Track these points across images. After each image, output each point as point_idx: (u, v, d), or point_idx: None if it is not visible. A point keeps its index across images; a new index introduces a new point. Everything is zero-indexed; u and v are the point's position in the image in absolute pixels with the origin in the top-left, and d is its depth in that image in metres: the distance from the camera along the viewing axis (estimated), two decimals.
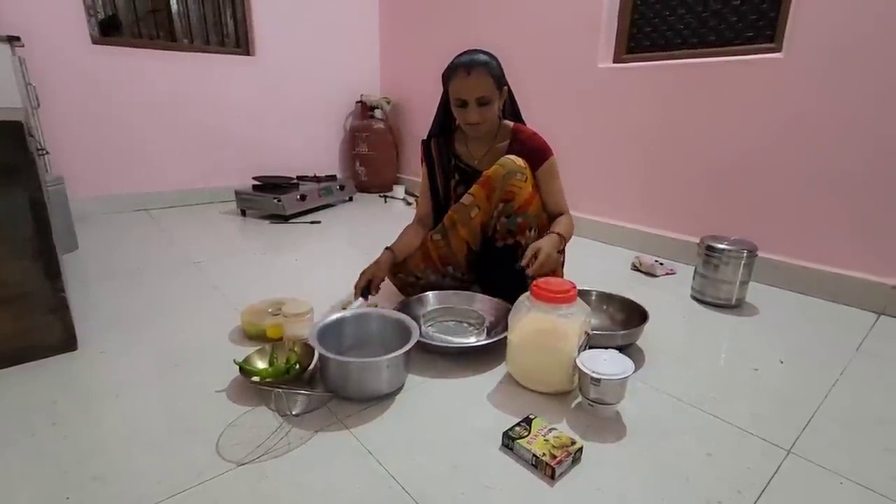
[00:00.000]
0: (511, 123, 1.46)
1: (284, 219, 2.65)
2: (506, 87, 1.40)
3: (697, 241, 1.68)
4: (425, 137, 1.56)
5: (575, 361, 1.02)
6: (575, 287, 1.06)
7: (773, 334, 1.43)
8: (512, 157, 1.34)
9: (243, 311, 1.34)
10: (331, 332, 1.13)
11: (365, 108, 3.49)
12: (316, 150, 3.49)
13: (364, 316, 1.22)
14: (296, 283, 1.77)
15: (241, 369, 1.07)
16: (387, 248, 1.44)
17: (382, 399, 1.04)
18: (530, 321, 1.07)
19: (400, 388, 1.08)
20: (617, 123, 2.23)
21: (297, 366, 1.10)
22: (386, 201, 3.35)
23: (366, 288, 1.37)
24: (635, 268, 1.98)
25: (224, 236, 2.37)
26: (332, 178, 3.19)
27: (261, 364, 1.11)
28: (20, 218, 1.09)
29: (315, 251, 2.18)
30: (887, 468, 0.89)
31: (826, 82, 1.61)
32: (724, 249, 1.56)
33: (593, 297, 1.43)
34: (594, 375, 0.96)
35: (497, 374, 1.16)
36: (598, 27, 2.22)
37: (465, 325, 1.36)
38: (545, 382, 1.08)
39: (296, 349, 1.14)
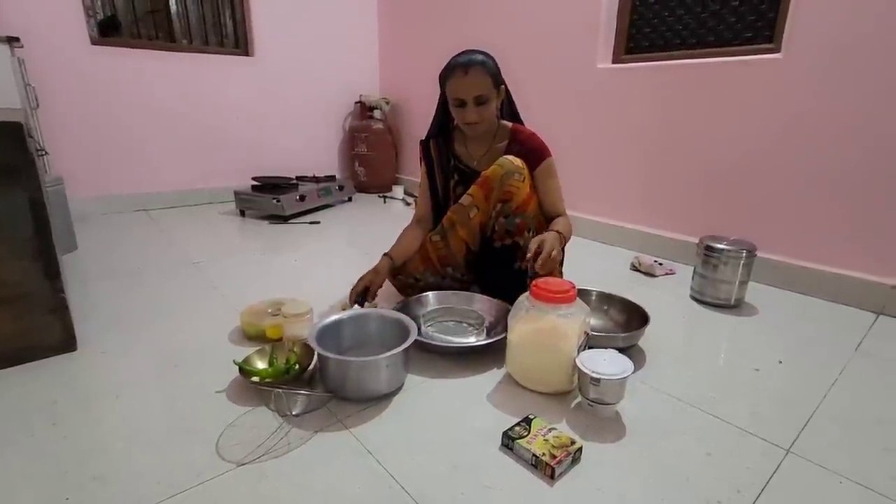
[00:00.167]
0: (510, 124, 1.46)
1: (283, 219, 2.65)
2: (503, 86, 1.40)
3: (697, 241, 1.68)
4: (424, 138, 1.56)
5: (574, 361, 1.02)
6: (574, 287, 1.06)
7: (772, 334, 1.43)
8: (510, 157, 1.34)
9: (243, 312, 1.34)
10: (330, 333, 1.13)
11: (364, 109, 3.50)
12: (315, 151, 3.49)
13: (363, 316, 1.22)
14: (295, 283, 1.77)
15: (241, 370, 1.07)
16: (385, 255, 1.43)
17: (382, 399, 1.05)
18: (530, 321, 1.07)
19: (399, 388, 1.08)
20: (616, 124, 2.23)
21: (297, 366, 1.10)
22: (385, 201, 3.35)
23: (362, 294, 1.36)
24: (634, 268, 1.98)
25: (223, 237, 2.37)
26: (332, 178, 3.19)
27: (260, 364, 1.11)
28: (20, 218, 1.09)
29: (314, 251, 2.18)
30: (886, 468, 0.89)
31: (825, 83, 1.62)
32: (723, 249, 1.56)
33: (593, 298, 1.43)
34: (594, 375, 0.96)
35: (497, 374, 1.16)
36: (597, 28, 2.22)
37: (465, 325, 1.37)
38: (545, 382, 1.08)
39: (295, 349, 1.14)
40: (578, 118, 2.37)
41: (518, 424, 0.92)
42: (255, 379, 1.05)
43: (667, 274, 1.92)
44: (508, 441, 0.89)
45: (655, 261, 1.96)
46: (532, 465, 0.85)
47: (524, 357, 1.10)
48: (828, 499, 0.82)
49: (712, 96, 1.90)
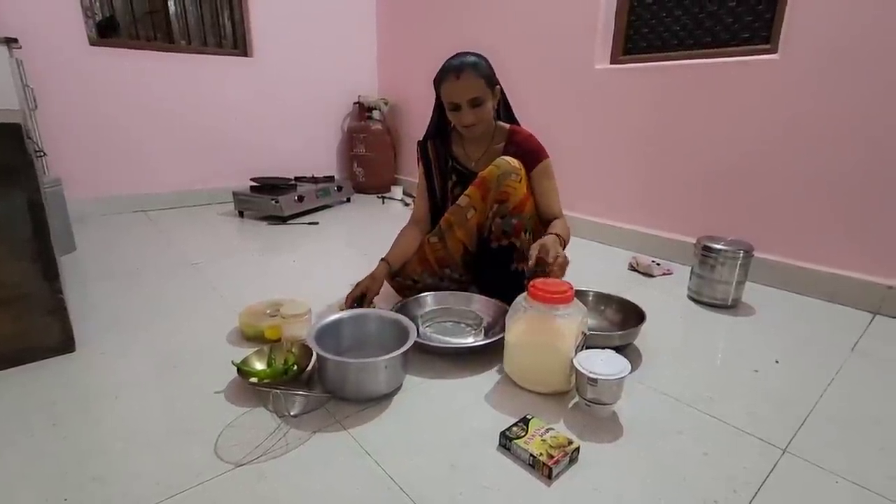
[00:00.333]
0: (507, 125, 1.47)
1: (282, 220, 2.65)
2: (498, 87, 1.41)
3: (694, 241, 1.68)
4: (421, 139, 1.56)
5: (572, 362, 1.03)
6: (572, 287, 1.06)
7: (769, 334, 1.43)
8: (507, 157, 1.34)
9: (241, 313, 1.35)
10: (329, 333, 1.14)
11: (363, 110, 3.50)
12: (313, 151, 3.50)
13: (362, 317, 1.22)
14: (293, 284, 1.77)
15: (240, 370, 1.07)
16: (382, 260, 1.44)
17: (380, 400, 1.05)
18: (527, 321, 1.07)
19: (398, 389, 1.09)
20: (614, 124, 2.24)
21: (295, 367, 1.10)
22: (384, 202, 3.35)
23: (359, 301, 1.35)
24: (632, 268, 1.99)
25: (222, 237, 2.37)
26: (330, 179, 3.19)
27: (259, 365, 1.12)
28: (18, 219, 1.09)
29: (313, 252, 2.18)
30: (882, 467, 0.89)
31: (822, 84, 1.62)
32: (720, 250, 1.57)
33: (590, 298, 1.43)
34: (591, 375, 0.97)
35: (494, 374, 1.17)
36: (595, 28, 2.22)
37: (463, 325, 1.37)
38: (542, 383, 1.08)
39: (294, 350, 1.15)
40: (576, 119, 2.37)
41: (516, 425, 0.93)
42: (254, 380, 1.05)
43: (664, 274, 1.93)
44: (506, 441, 0.89)
45: (653, 261, 1.96)
46: (529, 465, 0.86)
47: (522, 357, 1.10)
48: (824, 498, 0.82)
49: (710, 97, 1.90)
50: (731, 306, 1.60)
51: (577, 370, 1.00)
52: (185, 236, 2.33)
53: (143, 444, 0.90)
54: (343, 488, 0.81)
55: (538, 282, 1.07)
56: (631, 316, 1.34)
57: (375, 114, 3.49)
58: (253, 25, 3.03)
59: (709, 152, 1.94)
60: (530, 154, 1.39)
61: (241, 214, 2.78)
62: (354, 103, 3.55)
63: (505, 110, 1.51)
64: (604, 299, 1.44)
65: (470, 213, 1.38)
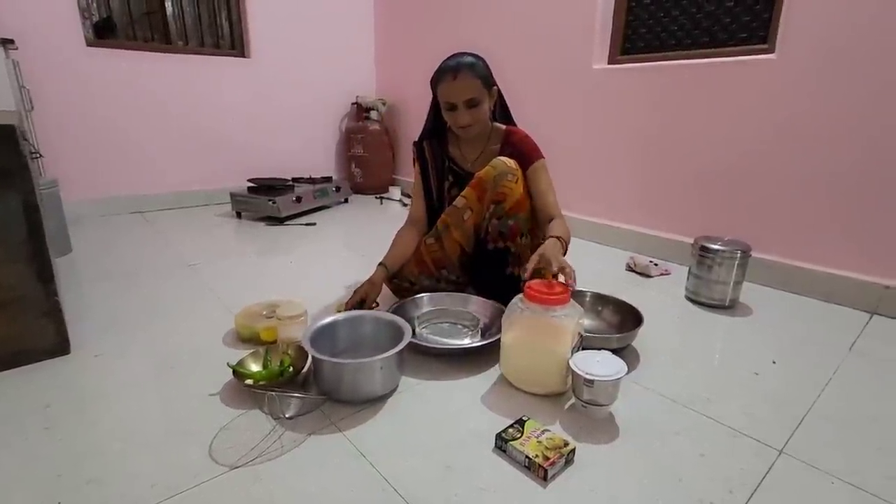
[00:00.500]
0: (503, 126, 1.47)
1: (280, 220, 2.65)
2: (495, 88, 1.41)
3: (692, 241, 1.68)
4: (417, 139, 1.56)
5: (568, 363, 1.02)
6: (568, 289, 1.06)
7: (766, 334, 1.43)
8: (503, 158, 1.34)
9: (237, 314, 1.34)
10: (324, 335, 1.13)
11: (360, 110, 3.50)
12: (311, 152, 3.49)
13: (358, 318, 1.22)
14: (290, 285, 1.77)
15: (235, 372, 1.07)
16: (380, 264, 1.43)
17: (376, 401, 1.05)
18: (524, 323, 1.07)
19: (394, 390, 1.08)
20: (612, 124, 2.24)
21: (291, 368, 1.10)
22: (382, 203, 3.35)
23: (358, 307, 1.34)
24: (630, 268, 1.98)
25: (219, 238, 2.37)
26: (328, 179, 3.19)
27: (254, 367, 1.11)
28: (13, 222, 1.09)
29: (310, 253, 2.18)
30: (879, 468, 0.89)
31: (819, 83, 1.62)
32: (717, 250, 1.57)
33: (587, 299, 1.43)
34: (587, 377, 0.97)
35: (491, 375, 1.16)
36: (593, 28, 2.22)
37: (460, 326, 1.37)
38: (539, 384, 1.08)
39: (289, 352, 1.14)
40: (574, 119, 2.37)
41: (511, 426, 0.93)
42: (249, 382, 1.05)
43: (662, 274, 1.93)
44: (502, 443, 0.89)
45: (651, 261, 1.96)
46: (525, 466, 0.85)
47: (518, 359, 1.10)
48: (820, 499, 0.82)
49: (707, 97, 1.90)
50: (728, 306, 1.60)
51: (573, 371, 1.00)
52: (182, 237, 2.33)
53: (138, 447, 0.90)
54: (338, 490, 0.81)
55: (534, 283, 1.06)
56: (628, 318, 1.34)
57: (373, 114, 3.48)
58: (250, 26, 3.03)
59: (706, 152, 1.94)
60: (526, 154, 1.39)
61: (238, 215, 2.77)
62: (352, 104, 3.55)
63: (502, 111, 1.51)
64: (601, 300, 1.43)
65: (466, 215, 1.38)
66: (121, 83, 2.63)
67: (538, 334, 1.05)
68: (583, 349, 1.07)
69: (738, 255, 1.55)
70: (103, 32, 2.67)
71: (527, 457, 0.85)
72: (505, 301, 1.16)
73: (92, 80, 2.54)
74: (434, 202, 1.54)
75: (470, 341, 1.29)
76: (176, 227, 2.52)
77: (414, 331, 1.25)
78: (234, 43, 3.09)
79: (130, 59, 2.65)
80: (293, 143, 3.37)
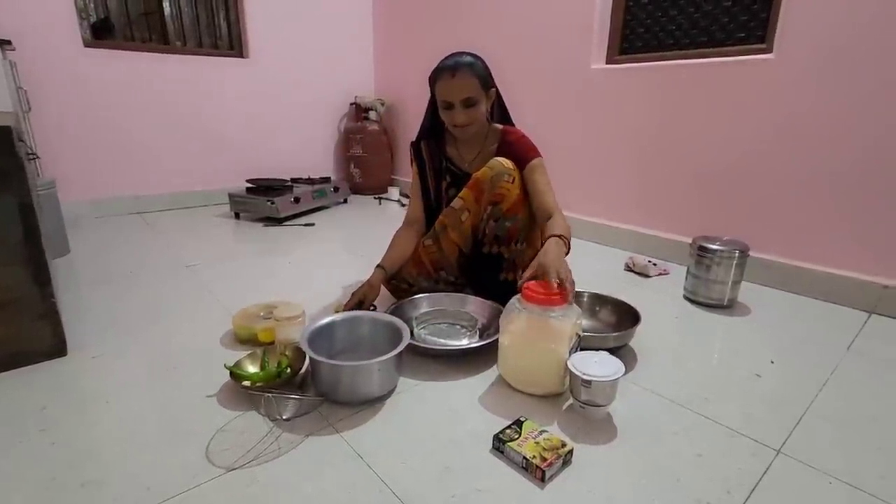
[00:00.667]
0: (500, 126, 1.46)
1: (278, 221, 2.64)
2: (493, 89, 1.40)
3: (690, 241, 1.68)
4: (414, 139, 1.56)
5: (566, 363, 1.02)
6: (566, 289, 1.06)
7: (765, 334, 1.43)
8: (500, 158, 1.34)
9: (235, 315, 1.34)
10: (322, 336, 1.13)
11: (359, 110, 3.49)
12: (310, 152, 3.49)
13: (355, 319, 1.22)
14: (289, 286, 1.76)
15: (232, 373, 1.06)
16: (378, 266, 1.42)
17: (374, 402, 1.04)
18: (521, 323, 1.07)
19: (392, 391, 1.08)
20: (610, 124, 2.24)
21: (289, 369, 1.09)
22: (381, 203, 3.35)
23: (356, 309, 1.33)
24: (629, 268, 1.98)
25: (217, 239, 2.37)
26: (327, 180, 3.19)
27: (252, 368, 1.11)
28: (9, 223, 1.09)
29: (308, 254, 2.18)
30: (877, 467, 0.89)
31: (817, 83, 1.62)
32: (715, 250, 1.57)
33: (585, 299, 1.43)
34: (585, 377, 0.96)
35: (489, 376, 1.16)
36: (591, 28, 2.22)
37: (458, 327, 1.36)
38: (536, 384, 1.08)
39: (287, 353, 1.14)
40: (573, 119, 2.37)
41: (509, 427, 0.92)
42: (246, 383, 1.05)
43: (661, 274, 1.93)
44: (499, 444, 0.89)
45: (650, 261, 1.96)
46: (523, 467, 0.85)
47: (516, 359, 1.10)
48: (818, 499, 0.82)
49: (706, 97, 1.90)
50: (727, 306, 1.60)
51: (571, 372, 1.00)
52: (180, 238, 2.32)
53: (135, 449, 0.90)
54: (335, 492, 0.80)
55: (532, 283, 1.06)
56: (626, 317, 1.33)
57: (372, 114, 3.48)
58: (249, 26, 3.03)
59: (705, 152, 1.94)
60: (522, 154, 1.39)
61: (236, 216, 2.77)
62: (351, 104, 3.55)
63: (501, 112, 1.50)
64: (599, 300, 1.43)
65: (464, 216, 1.37)
66: (119, 84, 2.63)
67: (536, 335, 1.05)
68: (581, 349, 1.07)
69: (737, 254, 1.55)
70: (101, 33, 2.67)
71: (524, 458, 0.85)
72: (503, 302, 1.16)
73: (90, 80, 2.54)
74: (432, 202, 1.54)
75: (468, 342, 1.29)
76: (174, 227, 2.52)
77: (412, 331, 1.25)
78: (232, 43, 3.09)
79: (128, 60, 2.64)
80: (292, 143, 3.36)
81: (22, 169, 1.09)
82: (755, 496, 0.81)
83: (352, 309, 1.31)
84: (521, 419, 0.95)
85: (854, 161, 1.58)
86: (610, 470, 0.87)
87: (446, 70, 1.31)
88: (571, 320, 1.04)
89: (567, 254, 1.17)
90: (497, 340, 1.14)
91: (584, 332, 1.11)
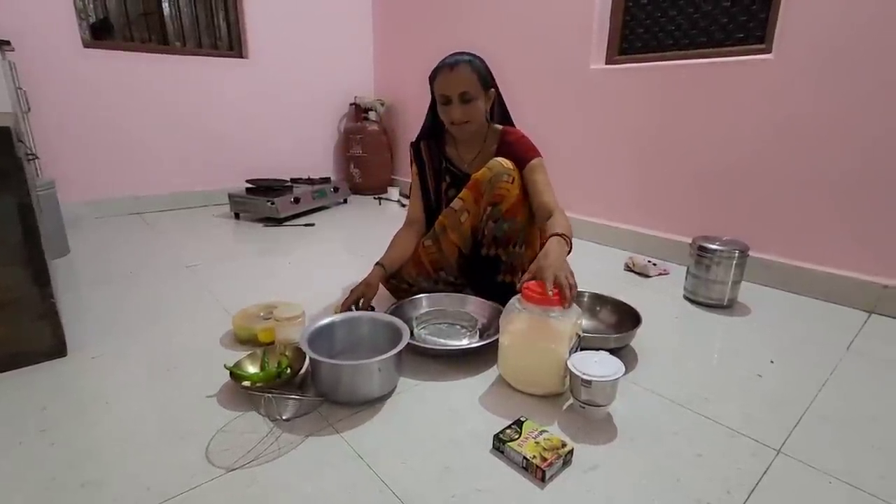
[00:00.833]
0: (500, 126, 1.46)
1: (278, 221, 2.64)
2: (493, 90, 1.41)
3: (690, 241, 1.68)
4: (414, 140, 1.56)
5: (566, 363, 1.02)
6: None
7: (765, 334, 1.43)
8: (499, 159, 1.34)
9: (235, 316, 1.34)
10: (322, 336, 1.13)
11: (359, 110, 3.49)
12: (310, 153, 3.49)
13: (355, 319, 1.22)
14: (289, 286, 1.76)
15: (232, 374, 1.06)
16: (377, 264, 1.42)
17: (374, 402, 1.04)
18: (521, 323, 1.07)
19: (392, 392, 1.08)
20: (610, 124, 2.24)
21: (288, 370, 1.09)
22: (380, 203, 3.35)
23: (354, 306, 1.32)
24: (629, 268, 1.98)
25: (217, 239, 2.36)
26: (327, 180, 3.19)
27: (252, 368, 1.11)
28: (8, 223, 1.09)
29: (308, 254, 2.18)
30: (876, 467, 0.89)
31: (816, 83, 1.62)
32: (715, 250, 1.57)
33: (585, 299, 1.43)
34: (585, 377, 0.96)
35: (489, 376, 1.16)
36: (591, 29, 2.22)
37: (458, 327, 1.36)
38: (537, 384, 1.08)
39: (287, 353, 1.14)
40: (572, 119, 2.37)
41: (509, 427, 0.92)
42: (246, 384, 1.05)
43: (661, 274, 1.93)
44: (499, 444, 0.89)
45: (649, 261, 1.96)
46: (523, 468, 0.85)
47: (516, 359, 1.10)
48: (817, 499, 0.82)
49: (705, 97, 1.90)
50: (726, 306, 1.60)
51: (571, 372, 1.00)
52: (180, 238, 2.32)
53: (134, 449, 0.90)
54: (335, 492, 0.80)
55: (532, 283, 1.06)
56: (626, 318, 1.33)
57: (372, 115, 3.48)
58: (248, 27, 3.03)
59: (704, 152, 1.94)
60: (522, 153, 1.38)
61: (236, 216, 2.77)
62: (351, 104, 3.55)
63: (501, 113, 1.50)
64: (599, 301, 1.43)
65: (464, 217, 1.37)
66: (118, 84, 2.63)
67: (536, 335, 1.05)
68: (581, 349, 1.07)
69: (736, 254, 1.55)
70: (100, 33, 2.66)
71: (524, 458, 0.85)
72: (501, 303, 1.16)
73: (89, 81, 2.54)
74: (432, 203, 1.54)
75: (468, 342, 1.29)
76: (174, 228, 2.52)
77: (412, 331, 1.25)
78: (231, 43, 3.09)
79: (127, 60, 2.64)
80: (291, 143, 3.36)
81: (21, 169, 1.09)
82: (755, 496, 0.81)
83: (348, 308, 1.31)
84: (522, 419, 0.95)
85: (854, 161, 1.59)
86: (610, 470, 0.87)
87: (445, 66, 1.33)
88: (571, 320, 1.04)
89: (569, 252, 1.17)
90: (497, 340, 1.14)
91: (584, 332, 1.11)
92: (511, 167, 1.33)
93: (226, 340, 1.32)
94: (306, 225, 2.65)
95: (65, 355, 1.21)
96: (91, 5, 2.63)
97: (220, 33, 3.06)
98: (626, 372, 1.00)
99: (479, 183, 1.34)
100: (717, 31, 1.93)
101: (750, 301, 1.65)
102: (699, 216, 2.00)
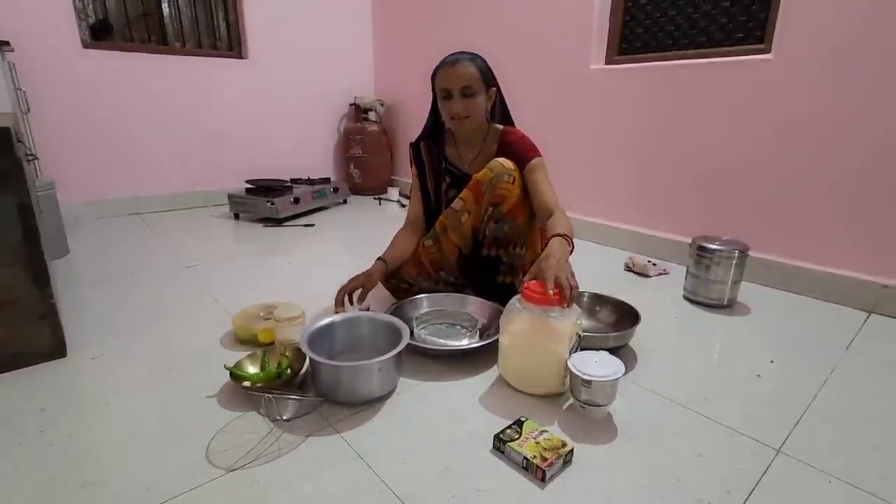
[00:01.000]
0: (500, 126, 1.46)
1: (278, 222, 2.64)
2: (494, 88, 1.41)
3: (689, 241, 1.68)
4: (414, 140, 1.56)
5: (566, 363, 1.02)
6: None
7: (764, 334, 1.43)
8: (500, 159, 1.34)
9: (235, 316, 1.34)
10: (322, 336, 1.13)
11: (359, 111, 3.49)
12: (309, 153, 3.49)
13: (355, 319, 1.22)
14: (289, 286, 1.76)
15: (232, 374, 1.06)
16: (379, 259, 1.42)
17: (374, 403, 1.04)
18: (521, 323, 1.07)
19: (392, 392, 1.08)
20: (609, 124, 2.24)
21: (289, 370, 1.09)
22: (380, 203, 3.35)
23: (348, 295, 1.33)
24: (628, 268, 1.98)
25: (217, 240, 2.36)
26: (326, 180, 3.19)
27: (252, 369, 1.11)
28: (8, 224, 1.09)
29: (308, 254, 2.18)
30: (876, 466, 0.89)
31: (815, 83, 1.62)
32: (715, 250, 1.57)
33: (585, 299, 1.43)
34: (585, 377, 0.96)
35: (489, 376, 1.16)
36: (590, 29, 2.22)
37: (458, 327, 1.36)
38: (537, 384, 1.08)
39: (287, 353, 1.14)
40: (572, 119, 2.37)
41: (510, 427, 0.92)
42: (246, 384, 1.05)
43: (660, 274, 1.93)
44: (499, 444, 0.89)
45: (649, 261, 1.96)
46: (523, 467, 0.85)
47: (516, 359, 1.10)
48: (817, 498, 0.82)
49: (705, 97, 1.90)
50: (726, 306, 1.60)
51: (571, 372, 1.00)
52: (179, 239, 2.32)
53: (134, 450, 0.89)
54: (336, 492, 0.80)
55: (532, 283, 1.06)
56: (626, 317, 1.34)
57: (372, 115, 3.48)
58: (248, 27, 3.03)
59: (704, 152, 1.94)
60: (522, 153, 1.38)
61: (236, 216, 2.77)
62: (350, 104, 3.55)
63: (502, 113, 1.50)
64: (598, 300, 1.43)
65: (464, 217, 1.37)
66: (118, 85, 2.63)
67: (536, 335, 1.05)
68: (581, 349, 1.07)
69: (736, 254, 1.55)
70: (100, 34, 2.66)
71: (525, 458, 0.85)
72: (503, 302, 1.16)
73: (88, 81, 2.54)
74: (431, 203, 1.54)
75: (468, 342, 1.29)
76: (174, 228, 2.52)
77: (412, 332, 1.25)
78: (231, 44, 3.09)
79: (127, 61, 2.64)
80: (291, 143, 3.36)
81: (21, 170, 1.09)
82: (755, 496, 0.81)
83: (346, 293, 1.31)
84: (522, 419, 0.95)
85: (853, 161, 1.59)
86: (610, 470, 0.87)
87: (447, 62, 1.34)
88: (571, 320, 1.04)
89: (571, 252, 1.17)
90: (497, 340, 1.14)
91: (584, 332, 1.11)
92: (512, 167, 1.33)
93: (226, 341, 1.32)
94: (306, 225, 2.65)
95: (64, 356, 1.21)
96: (90, 6, 2.62)
97: (220, 34, 3.06)
98: (626, 372, 1.00)
99: (480, 183, 1.34)
100: (717, 31, 1.94)
101: (750, 301, 1.65)
102: (699, 216, 2.00)
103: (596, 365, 0.99)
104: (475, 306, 1.40)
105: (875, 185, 1.56)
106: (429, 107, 1.49)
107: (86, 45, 2.52)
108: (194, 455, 0.88)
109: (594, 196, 2.36)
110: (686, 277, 1.68)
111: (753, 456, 0.91)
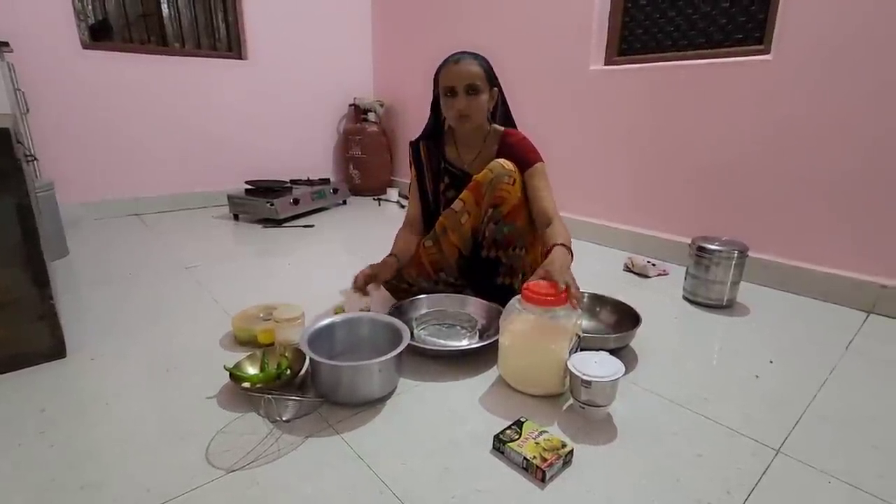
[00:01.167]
0: (501, 128, 1.47)
1: (277, 223, 2.64)
2: (496, 88, 1.41)
3: (689, 241, 1.68)
4: (413, 140, 1.56)
5: (566, 364, 1.02)
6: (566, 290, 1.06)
7: (764, 334, 1.43)
8: (501, 161, 1.34)
9: (234, 317, 1.34)
10: (322, 337, 1.13)
11: (358, 111, 3.49)
12: (309, 154, 3.49)
13: (355, 320, 1.22)
14: (288, 287, 1.76)
15: (232, 375, 1.06)
16: (391, 255, 1.43)
17: (374, 403, 1.04)
18: (521, 324, 1.07)
19: (392, 392, 1.08)
20: (609, 125, 2.24)
21: (288, 371, 1.09)
22: (380, 204, 3.35)
23: (368, 280, 1.34)
24: (628, 269, 1.98)
25: (216, 241, 2.36)
26: (326, 181, 3.19)
27: (251, 370, 1.11)
28: (7, 224, 1.09)
29: (308, 255, 2.18)
30: (875, 466, 0.89)
31: (814, 84, 1.63)
32: (714, 250, 1.57)
33: (585, 300, 1.43)
34: (584, 378, 0.96)
35: (489, 376, 1.16)
36: (590, 29, 2.23)
37: (458, 328, 1.36)
38: (537, 385, 1.08)
39: (287, 354, 1.14)
40: (571, 119, 2.37)
41: (509, 427, 0.92)
42: (246, 384, 1.05)
43: (660, 275, 1.93)
44: (499, 444, 0.89)
45: (649, 261, 1.96)
46: (523, 468, 0.85)
47: (516, 360, 1.10)
48: (817, 498, 0.82)
49: (704, 97, 1.91)
50: (726, 306, 1.60)
51: (571, 372, 1.00)
52: (179, 240, 2.32)
53: (134, 450, 0.89)
54: (336, 493, 0.80)
55: (532, 284, 1.06)
56: (626, 318, 1.34)
57: (371, 116, 3.48)
58: (247, 27, 3.03)
59: (704, 152, 1.94)
60: (524, 156, 1.38)
61: (235, 217, 2.77)
62: (350, 105, 3.55)
63: (504, 114, 1.51)
64: (598, 301, 1.43)
65: (464, 218, 1.37)
66: (117, 85, 2.63)
67: (536, 335, 1.05)
68: (581, 350, 1.07)
69: (736, 255, 1.55)
70: (99, 35, 2.66)
71: (525, 458, 0.85)
72: (502, 303, 1.16)
73: (88, 82, 2.54)
74: (430, 204, 1.54)
75: (468, 343, 1.29)
76: (173, 229, 2.52)
77: (412, 332, 1.25)
78: (230, 44, 3.09)
79: (127, 62, 2.64)
80: (291, 144, 3.36)
81: (20, 170, 1.09)
82: (755, 496, 0.81)
83: (366, 277, 1.32)
84: (522, 419, 0.95)
85: (852, 161, 1.59)
86: (610, 470, 0.87)
87: (451, 60, 1.35)
88: (571, 321, 1.04)
89: (571, 261, 1.18)
90: (497, 341, 1.14)
91: (584, 333, 1.11)
92: (512, 168, 1.33)
93: (225, 341, 1.32)
94: (306, 226, 2.65)
95: (64, 356, 1.21)
96: (90, 6, 2.62)
97: (220, 34, 3.06)
98: (625, 372, 1.00)
99: (480, 184, 1.34)
100: (716, 31, 1.94)
101: (749, 301, 1.66)
102: (698, 216, 2.00)
103: (596, 365, 0.99)
104: (475, 307, 1.40)
105: (874, 186, 1.56)
106: (429, 107, 1.50)
107: (85, 46, 2.52)
108: (194, 456, 0.88)
109: (594, 196, 2.37)
110: (685, 278, 1.68)
111: (753, 456, 0.91)
